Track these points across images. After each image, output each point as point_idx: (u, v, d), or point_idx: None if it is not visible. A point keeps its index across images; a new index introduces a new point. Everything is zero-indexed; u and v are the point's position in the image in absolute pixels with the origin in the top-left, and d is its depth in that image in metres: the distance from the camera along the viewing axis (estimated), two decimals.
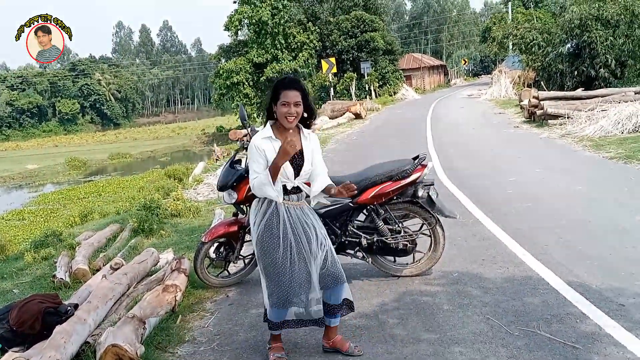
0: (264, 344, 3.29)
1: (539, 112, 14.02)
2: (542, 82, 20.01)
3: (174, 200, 8.34)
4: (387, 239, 4.11)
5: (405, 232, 4.17)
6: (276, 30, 35.19)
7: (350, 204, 4.04)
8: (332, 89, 30.37)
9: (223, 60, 38.61)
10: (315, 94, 32.34)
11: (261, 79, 35.18)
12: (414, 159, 4.13)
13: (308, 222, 2.98)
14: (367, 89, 33.53)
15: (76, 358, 3.13)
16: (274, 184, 2.85)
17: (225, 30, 36.36)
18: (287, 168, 2.90)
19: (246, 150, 3.75)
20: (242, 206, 4.28)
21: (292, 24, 36.54)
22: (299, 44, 36.24)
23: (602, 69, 17.69)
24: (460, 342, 3.17)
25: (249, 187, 4.01)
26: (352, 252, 4.22)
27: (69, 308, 3.50)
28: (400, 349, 3.16)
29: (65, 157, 31.24)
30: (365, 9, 39.09)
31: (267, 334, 3.21)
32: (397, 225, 4.17)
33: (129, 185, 17.64)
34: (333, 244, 3.26)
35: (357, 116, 22.32)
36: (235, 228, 4.31)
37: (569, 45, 18.81)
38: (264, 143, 2.90)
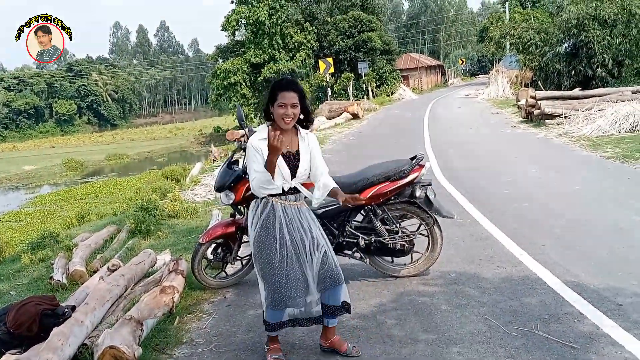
0: (262, 345, 3.29)
1: (536, 111, 14.04)
2: (539, 82, 20.08)
3: (172, 201, 8.33)
4: (384, 239, 4.11)
5: (403, 232, 4.17)
6: (273, 31, 35.19)
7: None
8: (329, 89, 30.36)
9: (220, 61, 38.63)
10: (312, 94, 32.34)
11: (258, 79, 35.20)
12: (412, 159, 4.14)
13: (304, 222, 2.98)
14: (364, 89, 33.57)
15: None
16: (273, 179, 2.85)
17: (222, 30, 36.38)
18: (283, 169, 2.90)
19: (243, 151, 3.75)
20: (239, 207, 4.28)
21: (290, 24, 36.54)
22: (296, 44, 36.25)
23: (599, 69, 17.75)
24: (458, 342, 3.17)
25: (247, 187, 4.05)
26: (349, 252, 4.21)
27: (66, 310, 3.49)
28: (398, 349, 3.16)
29: (62, 158, 31.08)
30: (363, 9, 39.11)
31: (265, 335, 3.20)
32: (394, 226, 4.16)
33: (126, 186, 17.57)
34: (331, 245, 3.26)
35: (355, 116, 22.31)
36: (232, 229, 4.30)
37: (566, 44, 18.86)
38: (261, 144, 2.90)
